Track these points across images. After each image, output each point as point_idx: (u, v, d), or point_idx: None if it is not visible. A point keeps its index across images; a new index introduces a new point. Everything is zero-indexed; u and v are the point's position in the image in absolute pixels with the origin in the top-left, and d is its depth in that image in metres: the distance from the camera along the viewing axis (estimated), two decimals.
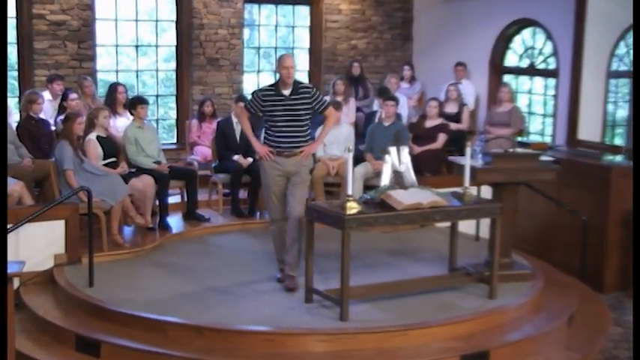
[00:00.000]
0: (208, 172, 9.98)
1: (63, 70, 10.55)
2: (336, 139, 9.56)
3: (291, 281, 6.97)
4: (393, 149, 6.72)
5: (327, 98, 10.97)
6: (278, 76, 6.89)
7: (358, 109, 11.29)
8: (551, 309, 7.07)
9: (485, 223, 7.80)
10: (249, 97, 7.11)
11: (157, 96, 11.95)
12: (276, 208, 7.05)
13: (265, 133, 7.04)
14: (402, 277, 7.33)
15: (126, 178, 8.35)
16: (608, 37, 10.01)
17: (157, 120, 12.03)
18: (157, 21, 11.55)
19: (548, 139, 10.95)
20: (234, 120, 9.60)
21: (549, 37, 10.90)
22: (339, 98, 10.66)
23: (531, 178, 7.61)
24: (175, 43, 11.66)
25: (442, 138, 10.30)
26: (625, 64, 10.22)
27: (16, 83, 10.74)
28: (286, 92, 6.83)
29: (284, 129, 6.86)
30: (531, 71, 11.45)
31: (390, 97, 9.84)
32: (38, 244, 7.32)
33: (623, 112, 10.48)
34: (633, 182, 7.00)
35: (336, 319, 6.29)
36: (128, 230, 8.59)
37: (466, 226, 8.60)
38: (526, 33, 11.53)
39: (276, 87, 6.89)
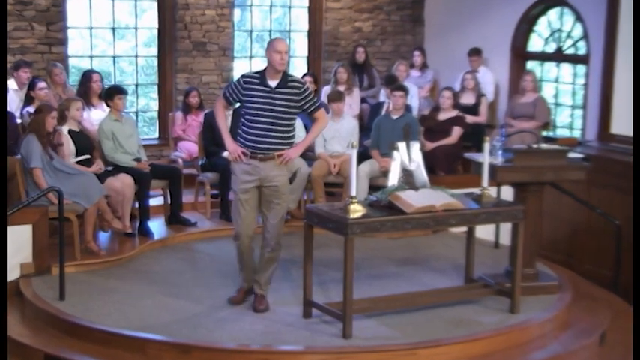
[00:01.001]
0: (194, 170, 9.98)
1: (30, 55, 10.54)
2: (337, 133, 9.57)
3: (260, 301, 6.83)
4: (402, 145, 6.72)
5: (326, 89, 11.05)
6: (267, 61, 6.57)
7: (363, 100, 11.29)
8: (581, 325, 7.07)
9: (506, 228, 7.80)
10: (228, 85, 6.77)
11: (137, 85, 11.95)
12: (243, 222, 6.67)
13: (239, 129, 6.66)
14: (411, 288, 7.33)
15: (101, 177, 8.34)
16: None
17: (137, 112, 12.03)
18: (136, 0, 11.56)
19: (577, 134, 10.96)
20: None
21: (579, 18, 10.90)
22: (342, 88, 10.67)
23: (558, 177, 7.61)
24: (157, 26, 11.65)
25: (457, 132, 10.30)
26: None
27: None
28: (272, 83, 6.52)
29: (262, 126, 6.50)
30: (558, 57, 11.45)
31: (398, 86, 9.85)
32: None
33: None
34: (633, 182, 7.03)
35: (338, 336, 6.29)
36: (104, 236, 8.59)
37: (484, 232, 8.60)
38: (552, 14, 11.53)
39: (262, 75, 6.55)
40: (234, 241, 6.88)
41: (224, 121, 6.85)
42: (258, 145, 6.55)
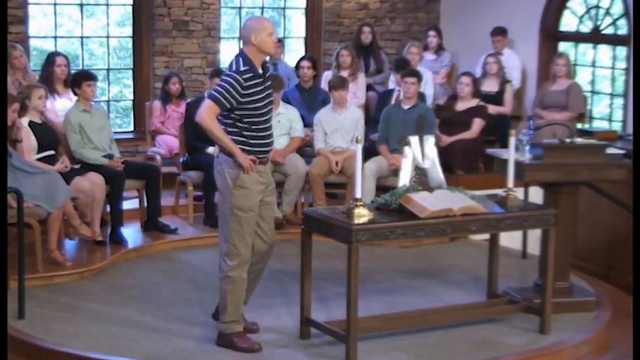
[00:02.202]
0: (175, 168, 9.98)
1: None
2: (340, 126, 9.57)
3: (248, 322, 6.76)
4: (414, 139, 6.71)
5: (327, 74, 11.03)
6: (251, 48, 6.28)
7: (369, 88, 11.29)
8: (621, 348, 7.06)
9: (535, 235, 7.79)
10: (221, 87, 6.25)
11: (108, 70, 11.95)
12: (249, 246, 6.47)
13: (239, 136, 6.32)
14: (425, 305, 7.32)
15: (67, 176, 8.33)
16: None
17: (109, 102, 12.03)
18: None
19: (617, 127, 10.96)
20: None
21: None
22: (345, 73, 10.67)
23: (595, 176, 7.61)
24: (132, 2, 11.66)
25: (478, 125, 10.30)
26: None
27: None
28: (261, 72, 6.37)
29: (268, 125, 6.41)
30: (595, 37, 11.45)
31: (410, 71, 9.84)
32: None
33: None
34: (633, 182, 7.03)
35: None
36: (70, 245, 8.60)
37: (510, 240, 8.59)
38: None
39: (252, 66, 6.29)
40: (241, 275, 6.45)
41: (223, 133, 6.31)
42: (268, 148, 6.43)
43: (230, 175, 6.31)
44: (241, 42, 6.71)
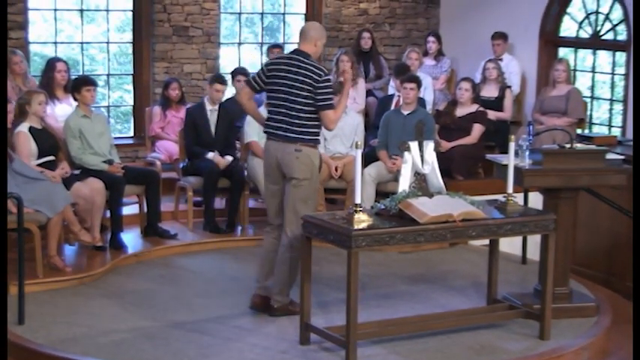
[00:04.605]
0: (174, 174, 9.97)
1: None
2: (340, 131, 9.56)
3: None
4: (414, 145, 6.71)
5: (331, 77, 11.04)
6: (312, 50, 7.08)
7: (369, 93, 11.29)
8: (622, 354, 7.06)
9: (535, 240, 7.78)
10: (330, 94, 7.05)
11: (109, 75, 11.95)
12: None
13: (316, 128, 7.07)
14: (425, 311, 7.33)
15: (68, 182, 8.34)
16: None
17: (109, 107, 12.02)
18: None
19: (616, 132, 10.95)
20: (209, 107, 9.60)
21: None
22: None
23: (595, 182, 7.60)
24: (132, 8, 11.66)
25: (478, 130, 10.30)
26: None
27: None
28: None
29: None
30: (595, 43, 11.44)
31: (410, 77, 9.85)
32: None
33: None
34: (633, 188, 7.03)
35: None
36: (70, 250, 8.59)
37: (510, 245, 8.58)
38: None
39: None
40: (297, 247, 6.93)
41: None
42: None
43: (317, 163, 7.11)
44: (301, 39, 7.18)
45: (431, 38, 12.12)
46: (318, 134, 7.09)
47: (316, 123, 7.00)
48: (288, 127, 6.95)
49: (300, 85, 6.92)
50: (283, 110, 6.98)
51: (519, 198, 7.47)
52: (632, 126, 9.25)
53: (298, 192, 6.95)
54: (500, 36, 11.59)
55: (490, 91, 11.02)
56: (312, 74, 6.92)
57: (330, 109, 6.95)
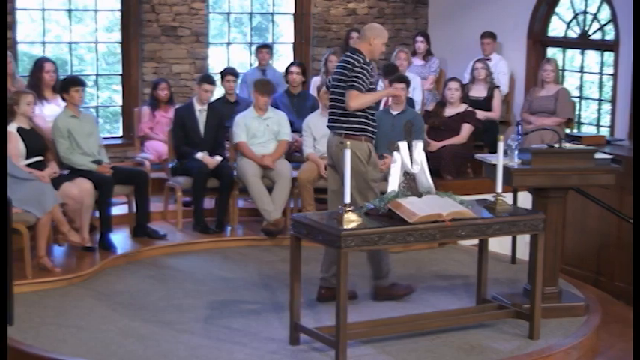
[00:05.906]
0: (164, 174, 9.96)
1: None
2: (328, 131, 9.55)
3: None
4: (403, 145, 6.72)
5: (316, 79, 11.07)
6: (366, 47, 7.28)
7: None
8: (611, 353, 7.08)
9: (524, 240, 7.80)
10: (357, 77, 7.19)
11: (97, 76, 11.94)
12: None
13: (364, 118, 7.32)
14: (415, 310, 7.34)
15: (56, 182, 8.33)
16: None
17: (97, 107, 12.01)
18: None
19: (604, 132, 10.97)
20: (197, 107, 9.59)
21: None
22: None
23: (584, 182, 7.61)
24: (120, 7, 11.64)
25: (467, 130, 10.31)
26: None
27: None
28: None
29: (375, 111, 7.54)
30: (583, 43, 11.47)
31: (398, 77, 9.85)
32: None
33: None
34: (633, 189, 7.04)
35: None
36: (59, 251, 8.57)
37: (499, 245, 8.59)
38: None
39: (369, 62, 7.36)
40: None
41: (370, 94, 7.34)
42: (377, 130, 7.56)
43: (363, 155, 7.31)
44: (358, 37, 7.87)
45: (419, 38, 12.14)
46: (364, 127, 7.30)
47: (360, 114, 7.26)
48: (336, 118, 7.38)
49: (340, 77, 7.25)
50: (333, 103, 7.41)
51: (508, 198, 7.48)
52: (633, 126, 9.20)
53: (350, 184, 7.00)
54: (489, 35, 11.61)
55: (479, 91, 11.04)
56: (348, 64, 7.23)
57: (354, 90, 7.17)
